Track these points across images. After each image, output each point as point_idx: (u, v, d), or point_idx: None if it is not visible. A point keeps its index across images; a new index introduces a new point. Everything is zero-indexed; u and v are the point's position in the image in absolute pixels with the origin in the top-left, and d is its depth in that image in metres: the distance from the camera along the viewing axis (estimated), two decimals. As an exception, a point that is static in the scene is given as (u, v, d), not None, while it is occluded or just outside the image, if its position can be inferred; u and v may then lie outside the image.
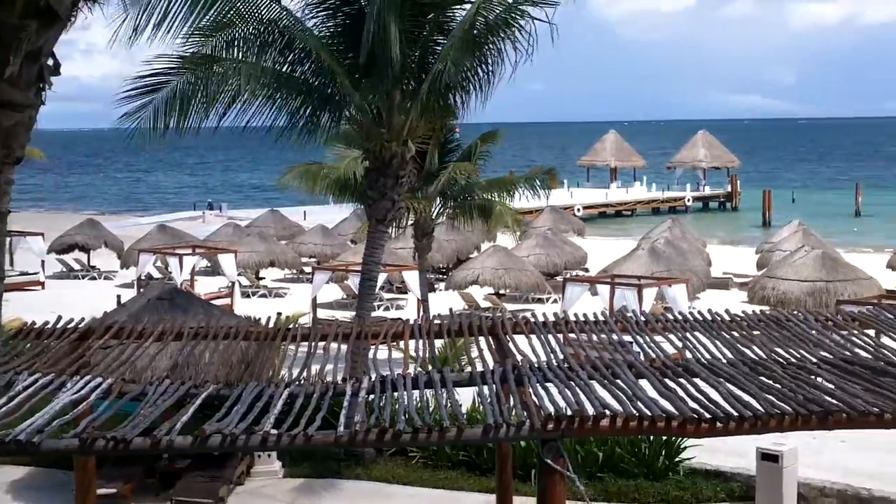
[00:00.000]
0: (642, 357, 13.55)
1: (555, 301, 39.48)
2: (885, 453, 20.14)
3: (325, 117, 19.34)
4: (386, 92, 18.78)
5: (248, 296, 42.47)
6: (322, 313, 34.51)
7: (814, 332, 14.76)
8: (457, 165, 26.59)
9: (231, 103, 18.48)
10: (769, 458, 16.70)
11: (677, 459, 18.13)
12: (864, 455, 20.33)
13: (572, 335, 15.00)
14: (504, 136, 29.00)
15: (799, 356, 13.44)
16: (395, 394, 11.91)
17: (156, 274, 43.77)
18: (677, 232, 48.69)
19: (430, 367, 13.56)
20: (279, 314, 17.74)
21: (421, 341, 14.91)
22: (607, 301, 30.05)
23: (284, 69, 19.07)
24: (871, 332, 15.44)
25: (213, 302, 30.95)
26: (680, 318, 15.69)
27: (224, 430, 10.34)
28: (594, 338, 14.95)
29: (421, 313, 28.11)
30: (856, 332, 14.94)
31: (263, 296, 43.66)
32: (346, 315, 33.48)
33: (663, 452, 18.08)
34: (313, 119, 19.25)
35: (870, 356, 13.60)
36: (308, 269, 44.41)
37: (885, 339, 15.11)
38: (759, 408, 10.79)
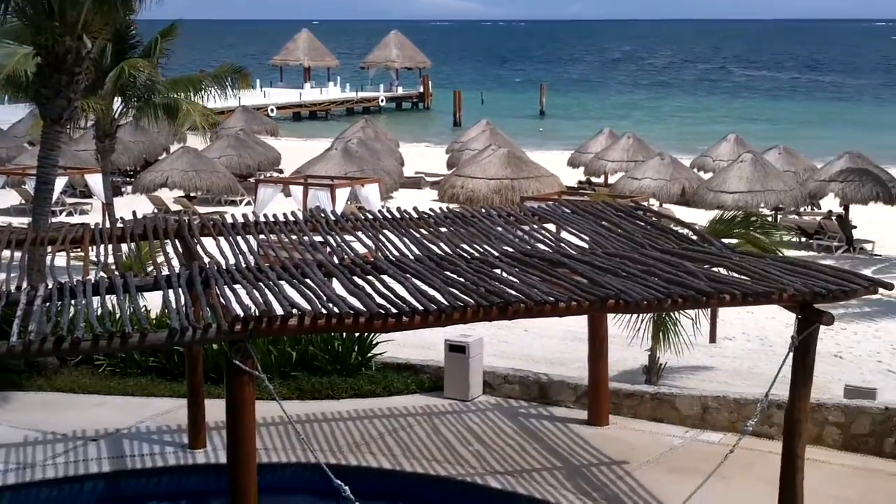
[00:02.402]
0: (335, 258, 13.58)
1: (248, 203, 39.06)
2: (560, 340, 21.37)
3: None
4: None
5: None
6: (-1, 220, 32.65)
7: (498, 227, 15.25)
8: (129, 62, 25.42)
9: None
10: (456, 349, 17.27)
11: (370, 355, 18.43)
12: (545, 343, 21.49)
13: (263, 237, 14.83)
14: (181, 31, 27.73)
15: (483, 251, 13.87)
16: (74, 301, 11.38)
17: None
18: (370, 132, 49.06)
19: (113, 273, 13.05)
20: (-54, 221, 16.55)
21: (103, 246, 14.32)
22: (301, 202, 30.01)
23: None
24: (552, 227, 16.14)
25: None
26: (371, 217, 15.83)
27: None
28: (286, 239, 14.84)
29: (106, 218, 27.01)
30: (536, 226, 15.57)
31: (-70, 203, 40.80)
32: (24, 221, 31.74)
33: (356, 349, 18.33)
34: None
35: (549, 249, 14.21)
36: (-20, 174, 41.71)
37: (563, 234, 15.83)
38: (444, 301, 11.06)
